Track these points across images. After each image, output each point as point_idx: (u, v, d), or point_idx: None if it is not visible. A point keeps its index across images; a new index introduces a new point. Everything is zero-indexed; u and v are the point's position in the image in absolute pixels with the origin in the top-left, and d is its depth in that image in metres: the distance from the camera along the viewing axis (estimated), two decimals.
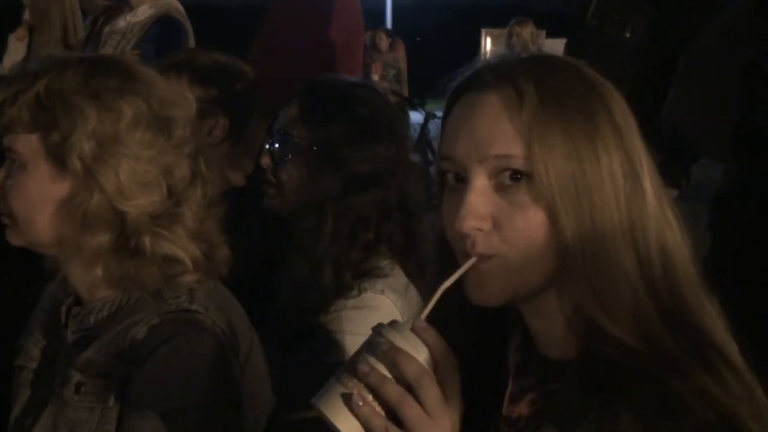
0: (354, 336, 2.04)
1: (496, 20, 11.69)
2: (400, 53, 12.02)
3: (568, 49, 3.54)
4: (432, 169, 1.40)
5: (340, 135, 2.18)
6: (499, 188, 1.18)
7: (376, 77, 10.72)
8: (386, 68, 11.52)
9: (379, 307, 2.11)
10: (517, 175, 1.16)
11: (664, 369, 1.11)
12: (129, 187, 1.60)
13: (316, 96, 2.28)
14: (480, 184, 1.19)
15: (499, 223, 1.18)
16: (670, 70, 2.63)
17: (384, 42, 11.80)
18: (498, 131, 1.18)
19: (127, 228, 1.61)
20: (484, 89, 1.21)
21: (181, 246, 1.64)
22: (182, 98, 1.75)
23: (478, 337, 1.33)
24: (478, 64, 1.26)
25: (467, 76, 1.26)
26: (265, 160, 2.28)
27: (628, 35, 3.31)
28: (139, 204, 1.61)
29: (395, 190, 2.19)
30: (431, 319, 1.17)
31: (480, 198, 1.18)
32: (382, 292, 2.13)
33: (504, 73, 1.21)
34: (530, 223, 1.16)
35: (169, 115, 1.66)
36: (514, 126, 1.17)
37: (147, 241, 1.61)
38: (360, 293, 2.12)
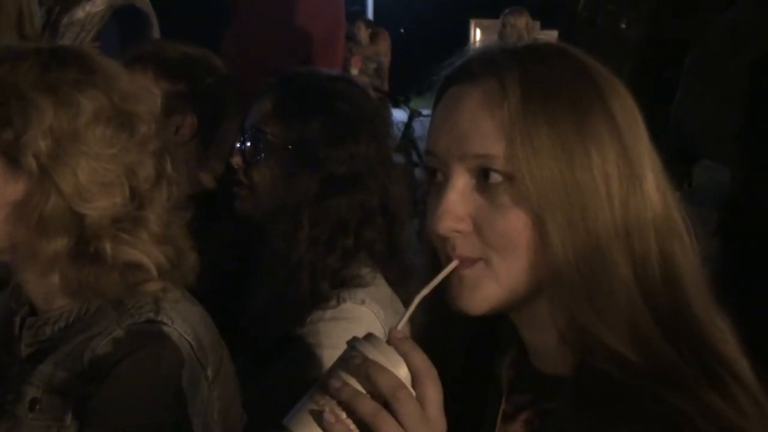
0: (332, 350, 2.02)
1: (486, 10, 11.73)
2: (383, 46, 12.01)
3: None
4: (417, 171, 1.39)
5: (318, 133, 2.16)
6: (481, 188, 1.17)
7: (355, 71, 10.71)
8: (366, 62, 11.52)
9: (360, 318, 2.09)
10: (498, 176, 1.15)
11: (664, 384, 1.10)
12: (88, 188, 1.58)
13: (292, 90, 2.26)
14: (460, 184, 1.18)
15: (479, 225, 1.17)
16: (673, 66, 2.64)
17: (364, 33, 11.80)
18: (478, 128, 1.17)
19: (87, 232, 1.59)
20: (468, 81, 1.20)
21: (144, 251, 1.63)
22: (145, 92, 1.75)
23: (468, 351, 1.32)
24: (468, 53, 1.25)
25: (455, 67, 1.25)
26: (236, 160, 2.26)
27: (623, 26, 3.32)
28: (100, 206, 1.59)
29: (377, 193, 2.17)
30: (415, 330, 1.16)
31: (459, 198, 1.17)
32: (363, 302, 2.11)
33: (490, 64, 1.19)
34: (511, 226, 1.15)
35: (131, 111, 1.65)
36: (495, 123, 1.16)
37: (108, 246, 1.60)
38: (339, 304, 2.11)
